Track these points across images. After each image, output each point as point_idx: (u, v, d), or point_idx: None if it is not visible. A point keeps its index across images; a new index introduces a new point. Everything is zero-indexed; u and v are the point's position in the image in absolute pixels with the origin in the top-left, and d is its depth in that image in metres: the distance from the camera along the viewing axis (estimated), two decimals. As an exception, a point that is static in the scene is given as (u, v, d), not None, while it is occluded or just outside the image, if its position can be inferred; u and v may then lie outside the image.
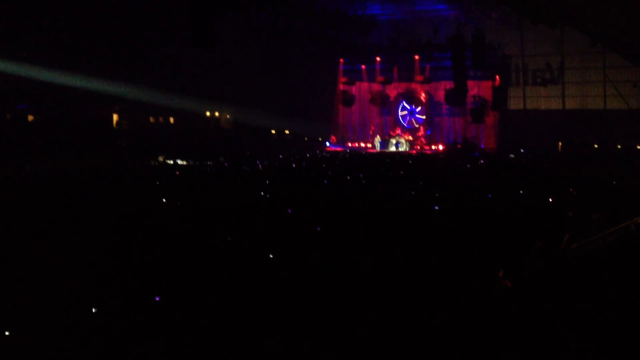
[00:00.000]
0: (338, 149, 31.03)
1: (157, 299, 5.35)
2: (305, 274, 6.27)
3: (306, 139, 32.84)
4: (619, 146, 25.68)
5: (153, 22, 24.68)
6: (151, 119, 28.24)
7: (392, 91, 31.62)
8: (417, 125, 31.17)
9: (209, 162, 21.51)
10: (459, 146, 28.70)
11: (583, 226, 7.11)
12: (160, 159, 22.18)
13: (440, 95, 30.12)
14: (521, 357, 4.35)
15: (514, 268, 5.68)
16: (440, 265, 6.34)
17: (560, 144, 27.29)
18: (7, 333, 4.67)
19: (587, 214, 7.76)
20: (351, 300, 5.38)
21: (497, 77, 28.41)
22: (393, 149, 29.27)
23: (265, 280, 6.10)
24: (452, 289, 5.52)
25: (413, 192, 12.49)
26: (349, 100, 32.16)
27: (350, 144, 32.11)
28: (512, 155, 24.30)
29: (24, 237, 7.81)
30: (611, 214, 7.27)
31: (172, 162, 21.89)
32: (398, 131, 30.24)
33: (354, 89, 32.29)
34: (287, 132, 33.45)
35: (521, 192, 12.10)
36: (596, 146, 26.21)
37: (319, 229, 8.55)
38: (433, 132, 30.73)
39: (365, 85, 32.01)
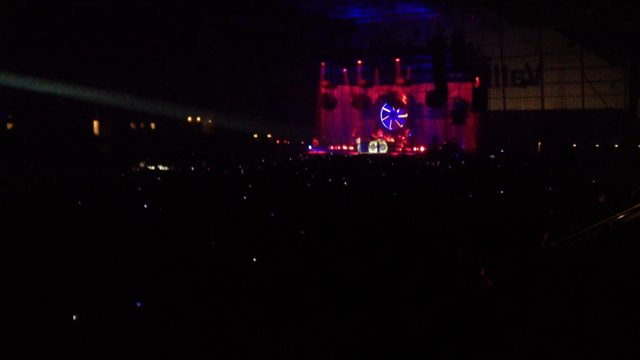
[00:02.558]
0: (320, 152, 31.05)
1: (139, 304, 5.32)
2: (290, 277, 6.27)
3: (288, 142, 32.84)
4: (598, 145, 25.99)
5: (133, 27, 24.52)
6: (132, 125, 28.01)
7: (374, 94, 31.78)
8: (399, 127, 31.33)
9: (191, 168, 21.40)
10: (440, 147, 28.87)
11: (563, 224, 7.19)
12: (142, 165, 22.01)
13: (421, 97, 30.31)
14: (504, 356, 4.39)
15: (496, 267, 5.73)
16: (424, 265, 6.37)
17: (539, 143, 27.56)
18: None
19: (567, 212, 7.84)
20: (336, 302, 5.39)
21: (477, 78, 28.65)
22: (374, 151, 29.35)
23: (250, 284, 6.09)
24: (436, 290, 5.55)
25: (395, 194, 12.54)
26: (330, 103, 32.24)
27: (332, 147, 32.15)
28: (492, 156, 24.48)
29: (3, 245, 7.73)
30: (590, 212, 7.36)
31: (153, 168, 21.74)
32: (380, 134, 30.34)
33: (335, 92, 32.38)
34: (269, 136, 33.43)
35: (502, 192, 12.21)
36: (575, 145, 26.51)
37: (302, 232, 8.55)
38: (414, 134, 30.90)
39: (346, 88, 32.11)
